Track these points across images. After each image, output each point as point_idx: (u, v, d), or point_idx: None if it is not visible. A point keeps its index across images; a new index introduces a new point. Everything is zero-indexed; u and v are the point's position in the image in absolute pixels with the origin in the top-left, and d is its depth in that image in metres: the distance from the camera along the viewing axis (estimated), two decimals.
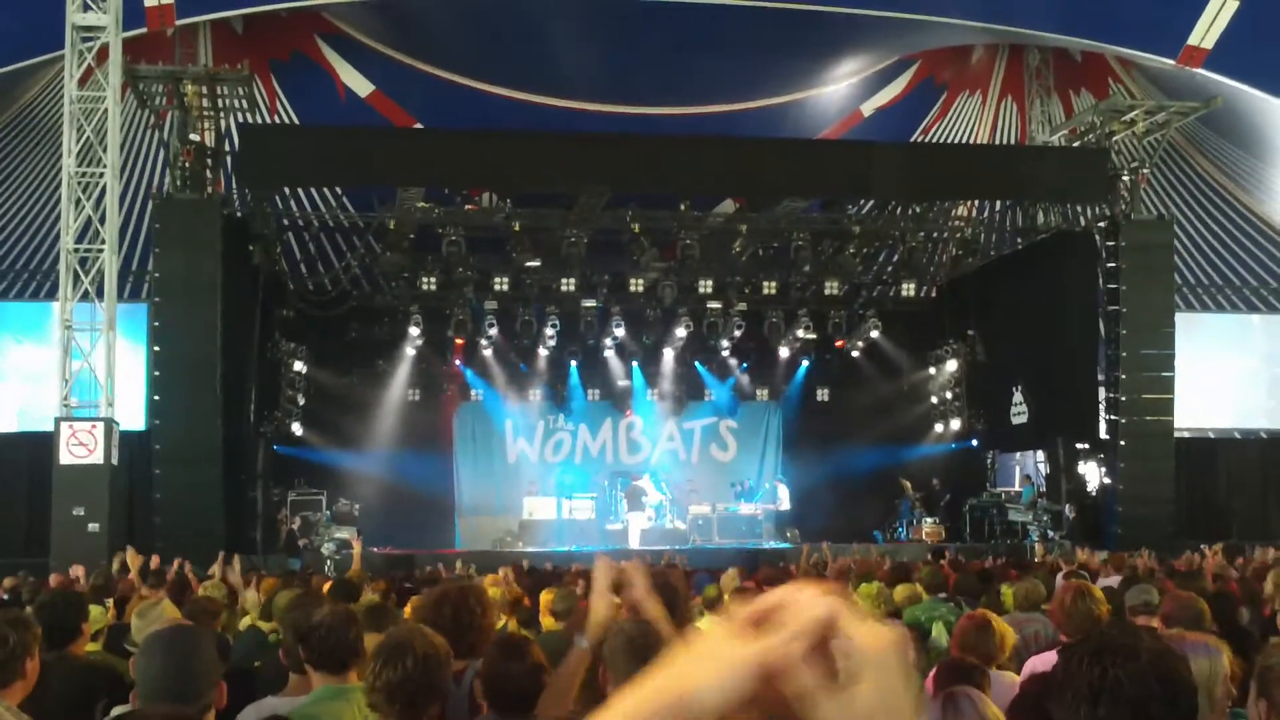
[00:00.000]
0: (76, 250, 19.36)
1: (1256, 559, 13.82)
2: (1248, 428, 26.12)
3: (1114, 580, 9.75)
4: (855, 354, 27.70)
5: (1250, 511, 24.18)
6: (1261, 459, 25.70)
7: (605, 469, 27.28)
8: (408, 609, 8.86)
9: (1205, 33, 22.35)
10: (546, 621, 7.77)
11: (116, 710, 4.33)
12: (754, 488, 27.13)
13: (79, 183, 19.33)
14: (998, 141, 27.30)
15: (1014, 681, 5.13)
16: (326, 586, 9.05)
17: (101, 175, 19.32)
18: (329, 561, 20.38)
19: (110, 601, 8.95)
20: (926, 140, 26.88)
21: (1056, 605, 5.56)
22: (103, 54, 19.45)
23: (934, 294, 27.94)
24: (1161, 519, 21.49)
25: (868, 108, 26.44)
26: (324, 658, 4.39)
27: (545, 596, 8.88)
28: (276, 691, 4.73)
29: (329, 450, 25.51)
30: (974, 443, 27.10)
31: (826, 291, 25.55)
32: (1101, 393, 22.78)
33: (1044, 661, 5.00)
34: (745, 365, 28.01)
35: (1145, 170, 23.47)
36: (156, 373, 20.27)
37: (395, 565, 19.48)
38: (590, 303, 25.60)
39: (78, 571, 13.24)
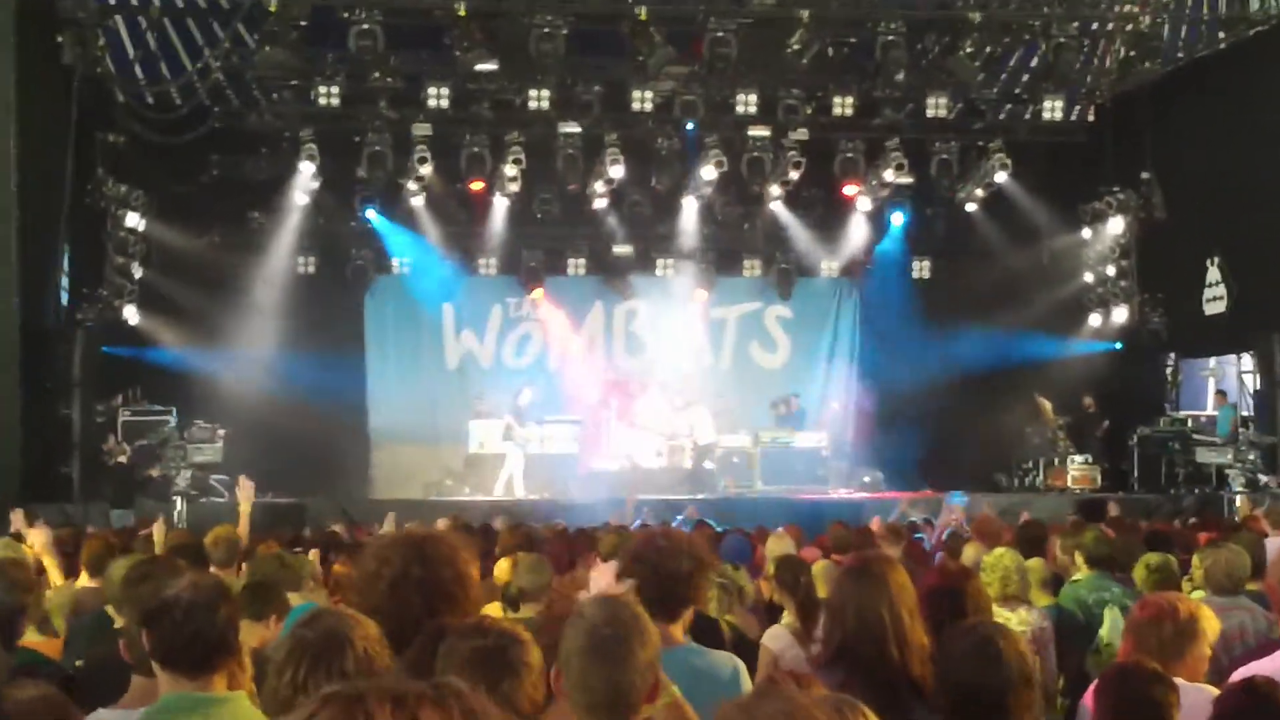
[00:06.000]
0: None
1: None
2: None
3: None
4: (972, 207, 27.65)
5: None
6: None
7: (596, 377, 27.38)
8: (338, 565, 8.98)
9: None
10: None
11: None
12: (804, 410, 27.18)
13: None
14: None
15: (1211, 698, 5.15)
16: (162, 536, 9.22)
17: None
18: (180, 500, 20.52)
19: None
20: None
21: (1276, 581, 5.57)
22: None
23: (1091, 118, 27.83)
24: None
25: None
26: (177, 652, 4.39)
27: (502, 566, 8.95)
28: (111, 701, 4.75)
29: (179, 348, 25.52)
30: (1149, 343, 27.14)
31: (930, 113, 25.48)
32: None
33: (1263, 669, 5.01)
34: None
35: None
36: None
37: (279, 519, 19.57)
38: (572, 128, 25.46)
39: None
